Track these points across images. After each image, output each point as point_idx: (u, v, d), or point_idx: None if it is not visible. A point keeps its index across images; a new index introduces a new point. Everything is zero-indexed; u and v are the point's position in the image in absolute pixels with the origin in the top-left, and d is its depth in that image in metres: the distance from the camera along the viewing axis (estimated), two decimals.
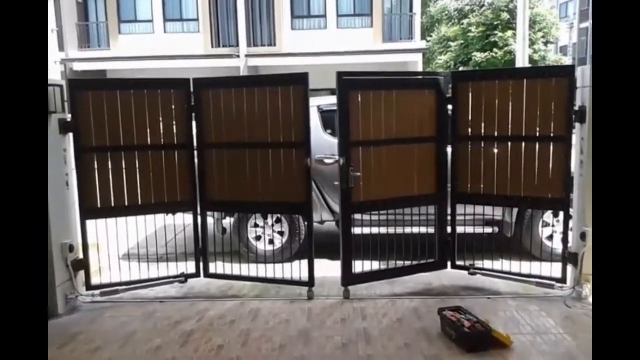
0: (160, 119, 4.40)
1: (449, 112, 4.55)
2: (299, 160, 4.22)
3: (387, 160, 4.39)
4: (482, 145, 4.44)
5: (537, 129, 4.21)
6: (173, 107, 4.40)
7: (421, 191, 4.52)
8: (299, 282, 4.39)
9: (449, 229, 4.64)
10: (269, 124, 4.31)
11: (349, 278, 4.34)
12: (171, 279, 4.56)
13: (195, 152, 4.50)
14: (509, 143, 4.32)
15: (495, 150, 4.40)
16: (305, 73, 4.17)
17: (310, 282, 4.33)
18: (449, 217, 4.62)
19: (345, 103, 4.16)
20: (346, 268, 4.33)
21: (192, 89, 4.43)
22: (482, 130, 4.42)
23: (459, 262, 4.67)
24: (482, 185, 4.46)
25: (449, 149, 4.59)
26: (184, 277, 4.56)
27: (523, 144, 4.27)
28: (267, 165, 4.35)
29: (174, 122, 4.42)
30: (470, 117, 4.46)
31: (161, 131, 4.41)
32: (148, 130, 4.37)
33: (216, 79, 4.58)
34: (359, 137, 4.24)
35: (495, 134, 4.37)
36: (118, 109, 4.27)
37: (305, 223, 5.44)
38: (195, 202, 4.55)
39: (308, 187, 4.28)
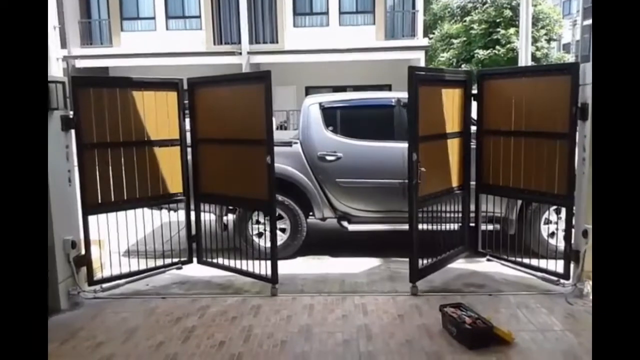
0: (157, 116, 4.61)
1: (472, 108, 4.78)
2: (262, 158, 4.22)
3: (438, 154, 4.53)
4: (502, 140, 4.61)
5: (546, 126, 4.26)
6: (168, 104, 4.66)
7: (455, 183, 4.74)
8: (263, 278, 4.42)
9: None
10: (238, 121, 4.44)
11: (416, 274, 4.34)
12: (166, 267, 4.83)
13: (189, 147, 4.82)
14: (523, 139, 4.45)
15: (512, 145, 4.53)
16: (268, 71, 4.14)
17: (273, 280, 4.33)
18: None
19: (415, 98, 4.14)
20: (414, 265, 4.31)
21: (185, 88, 4.72)
22: (501, 126, 4.60)
23: (481, 250, 4.99)
24: (501, 178, 4.64)
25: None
26: (180, 264, 4.88)
27: (534, 140, 4.36)
28: (238, 161, 4.49)
29: (169, 119, 4.67)
30: (492, 113, 4.66)
31: (157, 128, 4.62)
32: (145, 127, 4.55)
33: (200, 78, 4.76)
34: (423, 131, 4.24)
35: (512, 128, 4.52)
36: (118, 106, 4.37)
37: (303, 220, 5.47)
38: (188, 194, 4.83)
39: (270, 184, 4.26)
